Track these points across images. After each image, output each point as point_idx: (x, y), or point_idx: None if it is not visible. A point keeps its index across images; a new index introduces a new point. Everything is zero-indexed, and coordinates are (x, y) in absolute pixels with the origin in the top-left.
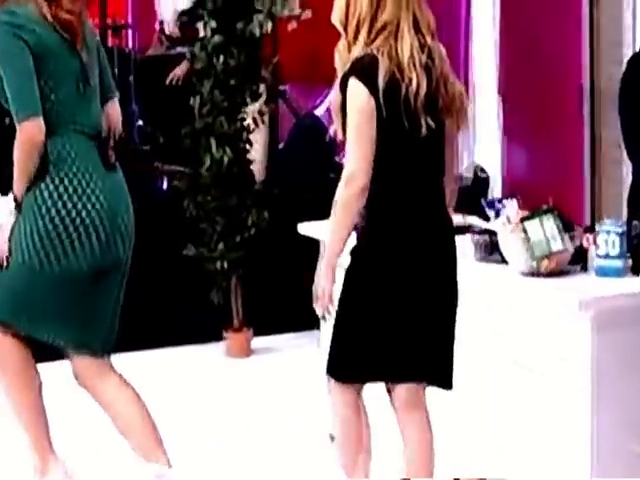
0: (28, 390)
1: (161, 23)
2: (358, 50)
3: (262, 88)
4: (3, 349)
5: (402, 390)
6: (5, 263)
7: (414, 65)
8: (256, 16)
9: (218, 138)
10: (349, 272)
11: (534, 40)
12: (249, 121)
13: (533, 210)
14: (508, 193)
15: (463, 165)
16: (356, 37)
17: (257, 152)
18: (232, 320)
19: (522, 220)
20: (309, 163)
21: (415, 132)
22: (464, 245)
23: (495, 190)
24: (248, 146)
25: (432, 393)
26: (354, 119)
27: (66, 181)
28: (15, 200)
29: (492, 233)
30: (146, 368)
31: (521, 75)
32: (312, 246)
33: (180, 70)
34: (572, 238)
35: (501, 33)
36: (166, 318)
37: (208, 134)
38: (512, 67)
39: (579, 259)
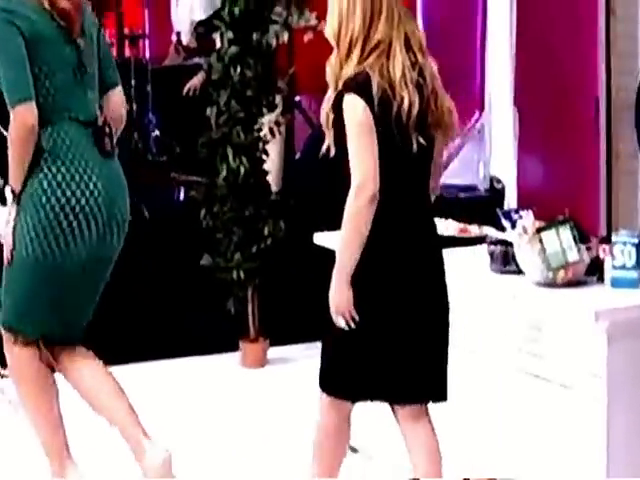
0: (46, 399)
1: (178, 34)
2: (351, 68)
3: (278, 99)
4: (20, 359)
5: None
6: (10, 257)
7: (405, 84)
8: (272, 27)
9: (234, 148)
10: None
11: (549, 51)
12: (265, 131)
13: (549, 221)
14: (524, 204)
15: (479, 176)
16: (349, 54)
17: (273, 162)
18: (248, 330)
19: (538, 231)
20: (325, 174)
21: (406, 149)
22: (480, 256)
23: (511, 201)
24: (264, 156)
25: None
26: (356, 132)
27: (63, 169)
28: (13, 192)
29: (508, 244)
30: (162, 378)
31: (537, 86)
32: (328, 256)
33: (197, 80)
34: (588, 249)
35: (517, 45)
36: (182, 328)
37: (224, 144)
38: (528, 78)
39: (595, 270)
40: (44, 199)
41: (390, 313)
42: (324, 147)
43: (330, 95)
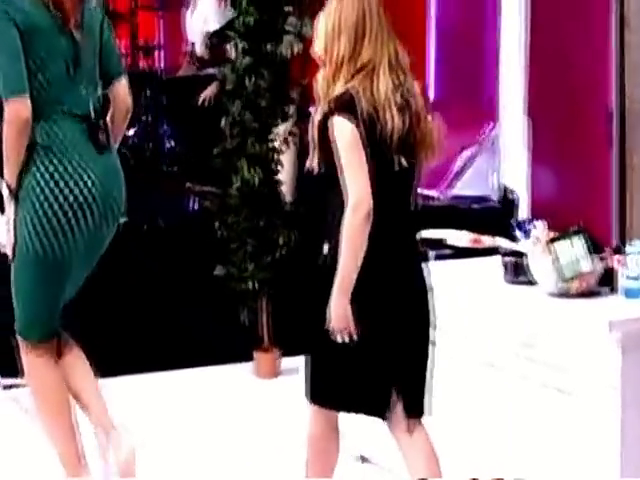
0: (61, 408)
1: (191, 45)
2: (338, 87)
3: (292, 109)
4: (36, 367)
5: (398, 417)
6: (13, 254)
7: (390, 106)
8: (286, 37)
9: (248, 159)
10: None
11: (562, 62)
12: (279, 142)
13: (562, 231)
14: (537, 214)
15: (492, 187)
16: (336, 73)
17: (287, 173)
18: (261, 340)
19: (551, 241)
20: None
21: (390, 169)
22: (493, 266)
23: (523, 211)
24: (278, 167)
25: (465, 414)
26: (346, 153)
27: (56, 163)
28: (8, 187)
29: (521, 254)
30: (175, 388)
31: (549, 97)
32: None
33: (210, 91)
34: (601, 259)
35: (529, 55)
36: (195, 338)
37: (238, 155)
38: (540, 89)
39: (608, 280)
40: (39, 193)
41: (377, 328)
42: (308, 161)
43: (319, 111)
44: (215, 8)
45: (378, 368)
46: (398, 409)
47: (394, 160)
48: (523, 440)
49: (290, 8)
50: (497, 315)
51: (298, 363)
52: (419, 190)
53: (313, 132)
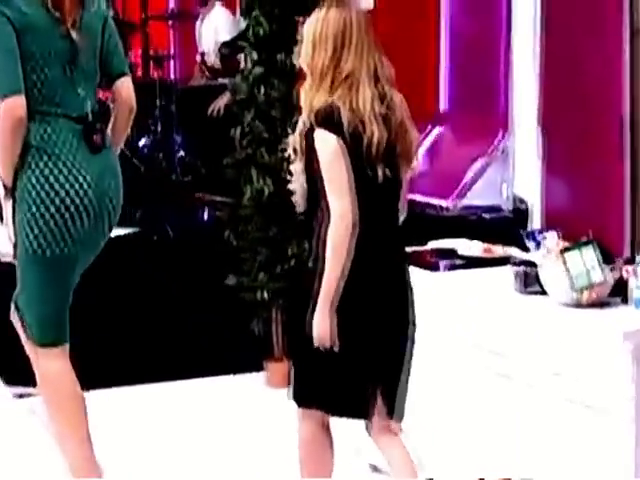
0: (77, 419)
1: (202, 55)
2: (321, 97)
3: None
4: (51, 376)
5: (381, 419)
6: (14, 252)
7: (375, 117)
8: (297, 47)
9: (259, 169)
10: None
11: (575, 71)
12: (290, 152)
13: (574, 241)
14: (548, 224)
15: (503, 196)
16: (320, 84)
17: (298, 183)
18: (272, 350)
19: (562, 251)
20: None
21: (374, 179)
22: (504, 277)
23: (535, 221)
24: (289, 177)
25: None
26: (330, 165)
27: (50, 163)
28: (5, 187)
29: (532, 264)
30: (187, 397)
31: (561, 106)
32: None
33: (221, 101)
34: (612, 270)
35: (542, 64)
36: (206, 347)
37: (249, 165)
38: (552, 98)
39: (619, 291)
40: (35, 196)
41: (360, 333)
42: (292, 168)
43: (301, 122)
44: (226, 18)
45: (361, 370)
46: (382, 411)
47: (378, 171)
48: (534, 450)
49: (301, 18)
50: (507, 325)
51: None
52: (430, 200)
53: (296, 143)
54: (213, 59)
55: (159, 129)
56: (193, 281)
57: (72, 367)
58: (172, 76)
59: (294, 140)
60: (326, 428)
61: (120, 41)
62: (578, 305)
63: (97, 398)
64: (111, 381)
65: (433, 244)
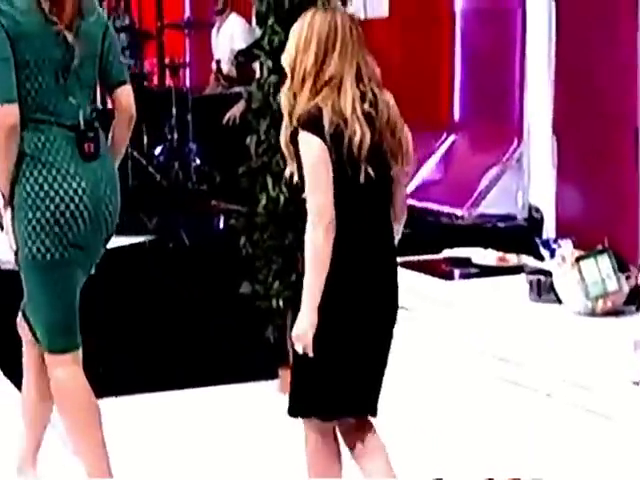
0: (92, 428)
1: (218, 63)
2: (303, 100)
3: None
4: (65, 385)
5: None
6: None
7: (357, 117)
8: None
9: (274, 177)
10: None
11: (589, 80)
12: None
13: (588, 250)
14: (562, 233)
15: (517, 205)
16: (302, 87)
17: None
18: (287, 358)
19: (577, 260)
20: None
21: (357, 179)
22: (518, 285)
23: (549, 230)
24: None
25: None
26: (311, 167)
27: (44, 172)
28: (2, 196)
29: (547, 273)
30: (201, 405)
31: (576, 115)
32: None
33: (237, 109)
34: (627, 278)
35: (556, 73)
36: (221, 355)
37: (264, 173)
38: (567, 107)
39: (634, 299)
40: (30, 202)
41: (347, 334)
42: (287, 172)
43: (286, 125)
44: (242, 27)
45: (354, 368)
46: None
47: (362, 171)
48: (549, 460)
49: None
50: (521, 334)
51: None
52: (445, 208)
53: (286, 145)
54: (229, 67)
55: (175, 137)
56: (208, 289)
57: (86, 374)
58: (187, 84)
59: (284, 146)
60: (332, 439)
61: (120, 50)
62: (593, 314)
63: (110, 406)
64: (125, 389)
65: (447, 253)
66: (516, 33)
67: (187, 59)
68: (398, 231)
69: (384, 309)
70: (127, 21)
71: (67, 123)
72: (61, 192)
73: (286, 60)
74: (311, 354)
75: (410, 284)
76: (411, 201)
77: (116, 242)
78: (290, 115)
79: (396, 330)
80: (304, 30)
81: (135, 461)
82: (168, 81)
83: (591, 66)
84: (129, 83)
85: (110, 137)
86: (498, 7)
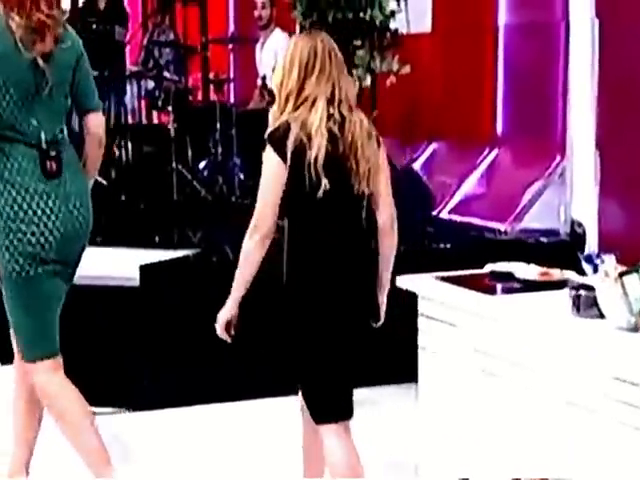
0: (85, 428)
1: (262, 78)
2: (284, 118)
3: None
4: (53, 392)
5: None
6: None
7: (321, 133)
8: (355, 71)
9: None
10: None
11: (632, 95)
12: None
13: (632, 265)
14: (605, 248)
15: (560, 220)
16: (284, 106)
17: None
18: None
19: (620, 275)
20: (406, 217)
21: (317, 191)
22: (561, 300)
23: (592, 245)
24: None
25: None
26: (265, 180)
27: (13, 192)
28: None
29: (590, 288)
30: (229, 420)
31: (619, 129)
32: (410, 299)
33: None
34: None
35: (599, 88)
36: (251, 370)
37: None
38: (610, 121)
39: None
40: (2, 223)
41: (321, 342)
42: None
43: None
44: (285, 42)
45: (334, 374)
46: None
47: (321, 183)
48: (592, 476)
49: (359, 42)
50: (565, 349)
51: (362, 395)
52: (487, 223)
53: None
54: (272, 83)
55: (219, 152)
56: (246, 302)
57: (130, 387)
58: (232, 99)
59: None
60: (348, 437)
61: (92, 79)
62: (636, 329)
63: (143, 419)
64: (164, 402)
65: (490, 267)
66: (559, 47)
67: (231, 74)
68: (391, 246)
69: (352, 315)
70: (172, 36)
71: (30, 141)
72: (30, 212)
73: (274, 81)
74: (227, 339)
75: (452, 299)
76: (453, 216)
77: (161, 256)
78: None
79: (438, 344)
80: (289, 53)
81: (162, 475)
82: (212, 96)
83: (634, 80)
84: (99, 110)
85: (83, 158)
86: (541, 21)
